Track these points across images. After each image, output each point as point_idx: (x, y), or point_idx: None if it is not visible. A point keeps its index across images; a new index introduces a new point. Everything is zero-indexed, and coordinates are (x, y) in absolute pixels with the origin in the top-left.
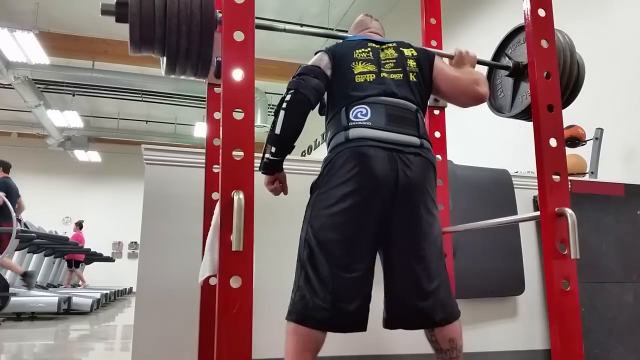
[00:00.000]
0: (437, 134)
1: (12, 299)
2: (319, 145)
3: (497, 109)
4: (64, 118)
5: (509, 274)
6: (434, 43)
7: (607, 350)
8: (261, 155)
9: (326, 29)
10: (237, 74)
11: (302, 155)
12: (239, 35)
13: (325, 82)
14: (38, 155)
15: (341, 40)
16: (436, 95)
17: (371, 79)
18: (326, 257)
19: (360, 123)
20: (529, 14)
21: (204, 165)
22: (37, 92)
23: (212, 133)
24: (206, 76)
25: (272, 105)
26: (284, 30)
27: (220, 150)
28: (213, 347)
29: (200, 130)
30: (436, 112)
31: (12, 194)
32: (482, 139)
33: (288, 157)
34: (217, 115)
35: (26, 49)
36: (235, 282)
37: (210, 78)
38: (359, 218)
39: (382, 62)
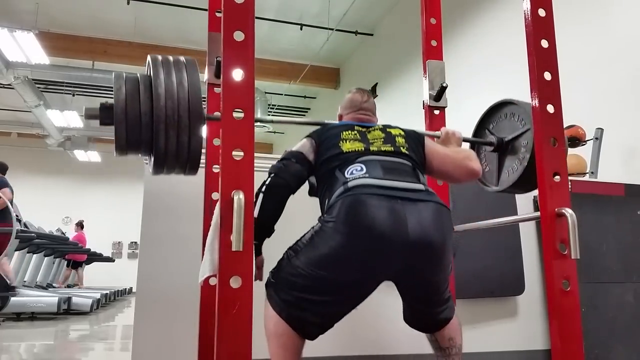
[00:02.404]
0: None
1: (12, 299)
2: None
3: (482, 182)
4: (64, 118)
5: (509, 274)
6: (434, 43)
7: (608, 351)
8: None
9: (326, 28)
10: (237, 74)
11: None
12: (239, 35)
13: (307, 168)
14: (38, 155)
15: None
16: (429, 174)
17: (360, 151)
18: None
19: (357, 176)
20: (529, 13)
21: (203, 165)
22: (37, 92)
23: (211, 133)
24: (195, 173)
25: (272, 105)
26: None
27: (220, 150)
28: (213, 347)
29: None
30: (436, 112)
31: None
32: None
33: None
34: (217, 115)
35: (26, 48)
36: (235, 282)
37: (210, 78)
38: (348, 282)
39: (370, 141)
